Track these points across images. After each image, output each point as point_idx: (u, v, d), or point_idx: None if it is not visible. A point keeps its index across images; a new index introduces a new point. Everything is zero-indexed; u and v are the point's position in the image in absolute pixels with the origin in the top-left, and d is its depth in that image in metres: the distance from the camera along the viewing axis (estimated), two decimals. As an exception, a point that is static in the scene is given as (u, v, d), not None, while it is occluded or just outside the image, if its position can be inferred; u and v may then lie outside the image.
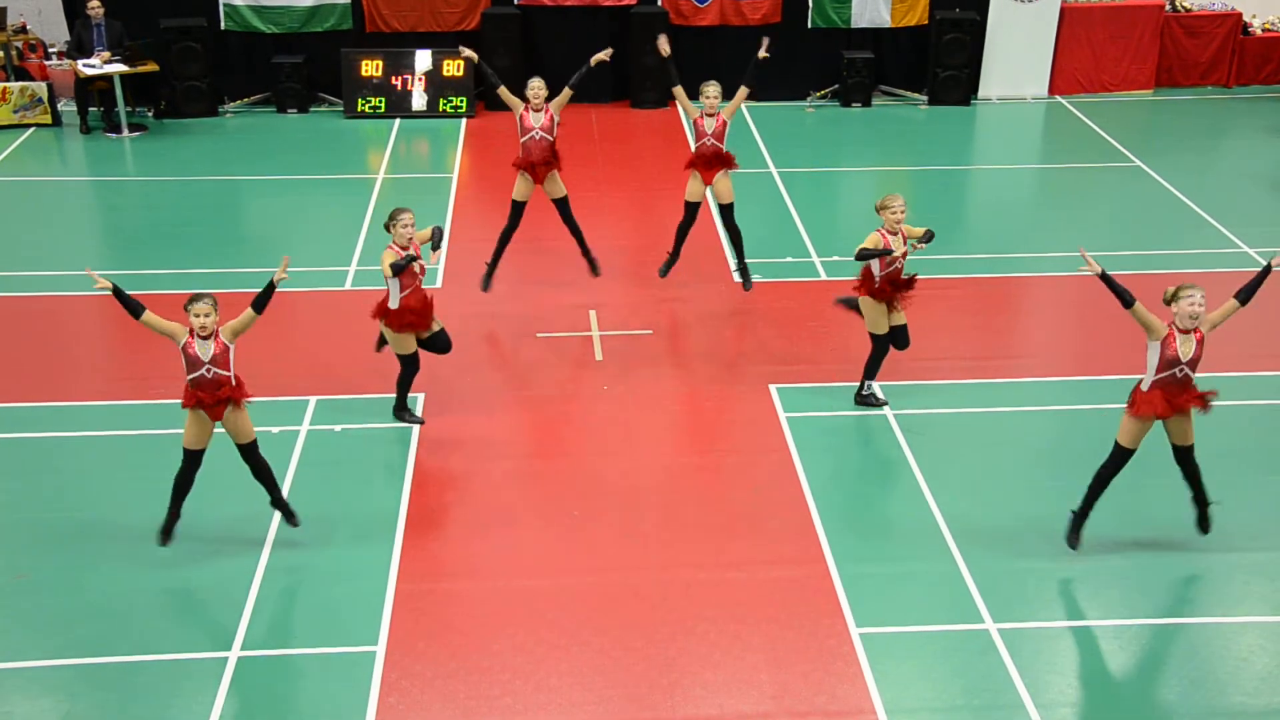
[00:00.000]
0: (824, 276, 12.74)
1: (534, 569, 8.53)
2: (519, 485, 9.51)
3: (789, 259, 13.19)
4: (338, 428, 10.13)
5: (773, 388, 10.68)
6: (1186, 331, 7.97)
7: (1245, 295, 8.18)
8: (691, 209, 11.85)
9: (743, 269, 12.16)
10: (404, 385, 10.06)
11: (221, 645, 7.79)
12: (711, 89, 11.52)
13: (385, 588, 8.29)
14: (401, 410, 10.17)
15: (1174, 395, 8.10)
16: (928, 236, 9.89)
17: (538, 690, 7.46)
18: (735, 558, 8.63)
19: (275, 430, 9.97)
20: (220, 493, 9.24)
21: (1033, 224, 14.55)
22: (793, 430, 10.11)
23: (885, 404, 10.41)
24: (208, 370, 8.10)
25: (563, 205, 11.83)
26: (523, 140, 11.51)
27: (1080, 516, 8.64)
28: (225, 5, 17.62)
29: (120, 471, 9.62)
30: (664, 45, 11.77)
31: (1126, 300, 8.02)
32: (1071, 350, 11.52)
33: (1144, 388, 8.16)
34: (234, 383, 8.20)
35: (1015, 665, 7.65)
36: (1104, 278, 8.07)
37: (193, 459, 8.39)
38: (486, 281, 12.10)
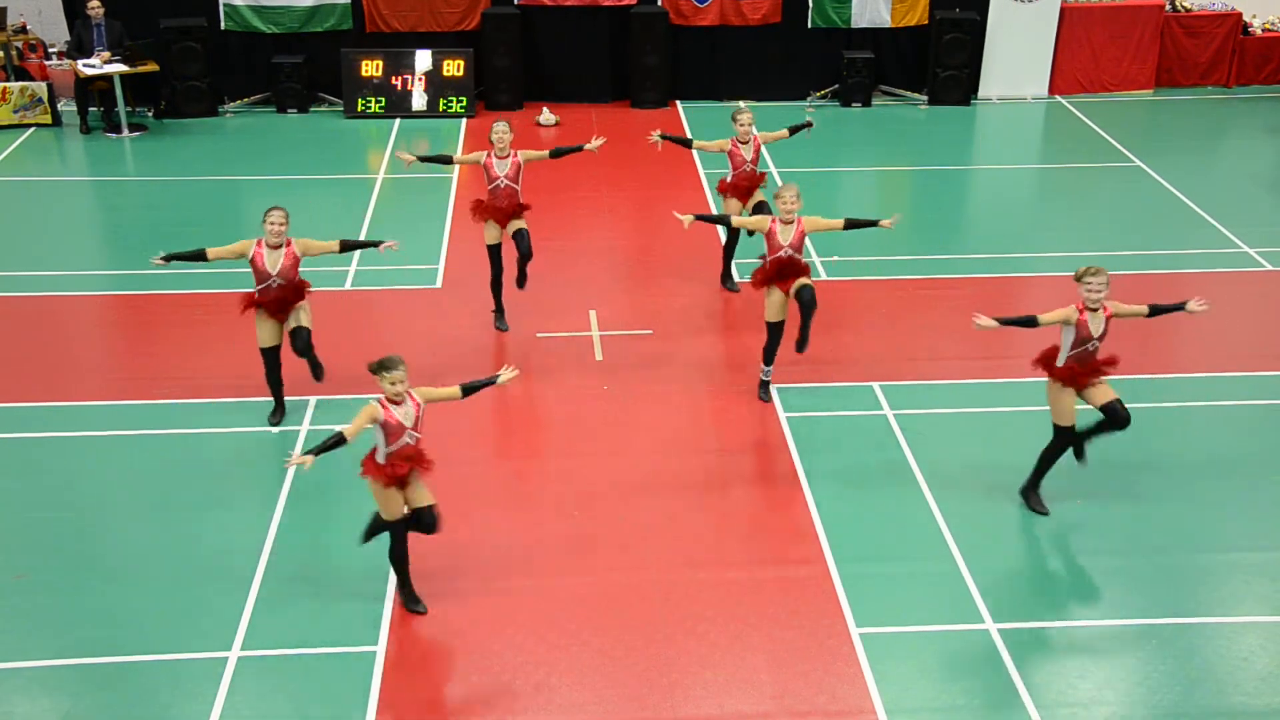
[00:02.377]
0: (824, 276, 12.73)
1: (534, 569, 8.53)
2: (519, 485, 9.51)
3: (789, 259, 13.18)
4: (338, 428, 10.10)
5: (773, 388, 10.68)
6: (1095, 310, 8.41)
7: (1155, 311, 8.64)
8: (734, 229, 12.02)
9: (728, 274, 12.53)
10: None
11: (221, 645, 7.78)
12: (745, 115, 11.61)
13: (385, 588, 8.29)
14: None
15: (1083, 371, 8.52)
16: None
17: (538, 690, 7.46)
18: (735, 558, 8.63)
19: (275, 430, 9.99)
20: (220, 494, 9.27)
21: (1033, 224, 14.55)
22: (793, 430, 10.10)
23: (768, 397, 10.42)
24: (410, 436, 7.70)
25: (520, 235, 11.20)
26: (489, 188, 11.08)
27: (1031, 487, 9.09)
28: (225, 5, 17.62)
29: (120, 471, 9.61)
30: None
31: (1030, 322, 8.47)
32: (1071, 350, 11.51)
33: (1059, 363, 8.56)
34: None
35: (1015, 665, 7.65)
36: (1002, 322, 8.50)
37: (405, 526, 7.88)
38: (500, 320, 11.76)
